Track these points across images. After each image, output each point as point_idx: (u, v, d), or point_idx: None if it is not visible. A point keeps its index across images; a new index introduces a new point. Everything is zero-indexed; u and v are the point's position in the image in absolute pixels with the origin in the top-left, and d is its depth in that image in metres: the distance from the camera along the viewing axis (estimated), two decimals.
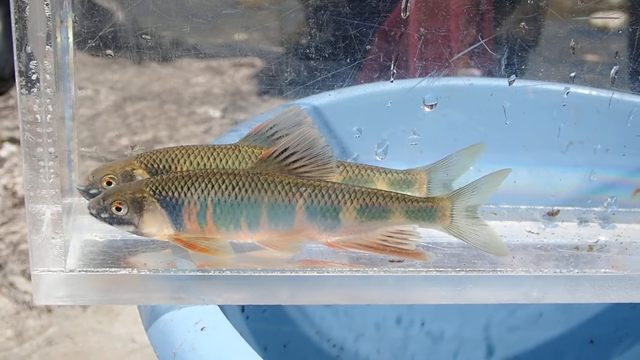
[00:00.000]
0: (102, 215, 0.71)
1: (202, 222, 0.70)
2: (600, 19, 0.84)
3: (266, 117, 0.78)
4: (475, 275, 0.73)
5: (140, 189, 0.71)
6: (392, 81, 0.83)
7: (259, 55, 0.85)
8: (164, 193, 0.70)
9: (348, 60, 0.82)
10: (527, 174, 0.90)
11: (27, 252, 0.65)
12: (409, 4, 0.79)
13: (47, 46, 0.61)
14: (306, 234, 0.72)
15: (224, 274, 0.69)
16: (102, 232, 0.76)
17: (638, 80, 0.86)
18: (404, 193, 0.77)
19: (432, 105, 0.85)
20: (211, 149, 0.76)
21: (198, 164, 0.75)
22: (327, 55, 0.82)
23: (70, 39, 0.74)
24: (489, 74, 0.84)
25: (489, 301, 0.75)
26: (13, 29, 0.60)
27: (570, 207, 0.88)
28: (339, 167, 0.77)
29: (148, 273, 0.69)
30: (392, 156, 0.86)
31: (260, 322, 1.01)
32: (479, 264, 0.74)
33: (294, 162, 0.71)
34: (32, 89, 0.62)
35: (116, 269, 0.69)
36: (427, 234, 0.75)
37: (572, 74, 0.85)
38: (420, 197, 0.73)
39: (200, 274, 0.69)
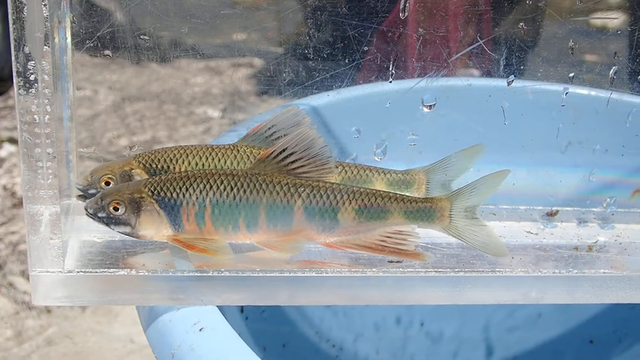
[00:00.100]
0: (99, 215, 0.71)
1: (201, 222, 0.70)
2: (599, 19, 0.84)
3: (265, 118, 0.77)
4: (474, 275, 0.73)
5: (138, 189, 0.71)
6: (390, 81, 0.83)
7: (257, 56, 0.85)
8: (162, 193, 0.70)
9: (347, 61, 0.82)
10: (526, 174, 0.90)
11: (26, 253, 0.65)
12: (407, 5, 0.79)
13: (45, 47, 0.61)
14: (305, 235, 0.71)
15: (222, 274, 0.69)
16: (100, 233, 0.75)
17: (637, 80, 0.86)
18: (403, 193, 0.77)
19: (430, 106, 0.85)
20: (209, 149, 0.76)
21: (196, 164, 0.75)
22: (325, 55, 0.82)
23: (69, 40, 0.73)
24: (488, 74, 0.84)
25: (488, 302, 0.75)
26: (11, 29, 0.60)
27: (570, 208, 0.88)
28: (337, 167, 0.77)
29: (146, 274, 0.69)
30: (390, 156, 0.86)
31: (259, 323, 1.01)
32: (478, 265, 0.74)
33: (292, 162, 0.71)
34: (30, 90, 0.62)
35: (115, 270, 0.69)
36: (426, 234, 0.75)
37: (571, 75, 0.85)
38: (419, 198, 0.73)
39: (199, 274, 0.69)
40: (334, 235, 0.72)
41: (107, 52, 0.77)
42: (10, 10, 0.60)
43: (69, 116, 0.75)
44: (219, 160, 0.75)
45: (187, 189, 0.70)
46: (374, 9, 0.80)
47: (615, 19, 0.84)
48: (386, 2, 0.80)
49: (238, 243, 0.72)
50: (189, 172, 0.72)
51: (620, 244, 0.83)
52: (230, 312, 0.94)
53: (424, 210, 0.72)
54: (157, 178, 0.71)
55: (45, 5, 0.60)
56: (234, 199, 0.70)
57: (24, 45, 0.61)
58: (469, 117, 0.92)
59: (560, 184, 0.91)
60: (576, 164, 0.91)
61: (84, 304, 0.84)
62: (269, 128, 0.76)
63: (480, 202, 0.73)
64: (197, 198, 0.70)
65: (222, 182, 0.70)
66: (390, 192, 0.73)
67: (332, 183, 0.72)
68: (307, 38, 0.81)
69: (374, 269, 0.71)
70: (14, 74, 0.62)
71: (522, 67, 0.84)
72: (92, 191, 0.75)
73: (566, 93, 0.86)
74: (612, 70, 0.84)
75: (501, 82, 0.84)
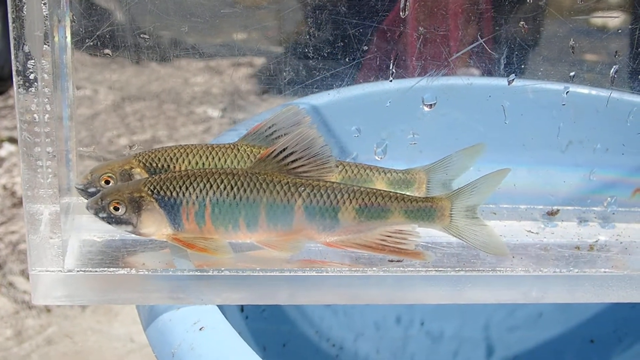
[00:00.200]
0: (100, 215, 0.71)
1: (201, 222, 0.70)
2: (599, 18, 0.84)
3: (265, 117, 0.77)
4: (474, 275, 0.72)
5: (138, 188, 0.70)
6: (391, 80, 0.83)
7: (257, 55, 0.85)
8: (162, 193, 0.70)
9: (347, 60, 0.82)
10: (526, 173, 0.90)
11: (26, 252, 0.65)
12: (407, 3, 0.79)
13: (44, 45, 0.61)
14: (305, 234, 0.71)
15: (222, 273, 0.69)
16: (100, 232, 0.75)
17: (637, 79, 0.85)
18: (403, 193, 0.76)
19: (431, 105, 0.85)
20: (210, 148, 0.76)
21: (197, 163, 0.75)
22: (325, 54, 0.82)
23: (68, 39, 0.73)
24: (489, 73, 0.84)
25: (489, 301, 0.75)
26: (10, 28, 0.60)
27: (570, 207, 0.88)
28: (337, 166, 0.77)
29: (146, 273, 0.69)
30: (391, 156, 0.86)
31: (259, 322, 1.01)
32: (479, 264, 0.74)
33: (292, 161, 0.71)
34: (30, 89, 0.62)
35: (114, 269, 0.69)
36: (426, 233, 0.75)
37: (572, 73, 0.84)
38: (419, 197, 0.73)
39: (199, 273, 0.69)
40: (334, 234, 0.72)
41: (107, 51, 0.77)
42: (9, 9, 0.59)
43: (68, 115, 0.75)
44: (219, 159, 0.75)
45: (187, 188, 0.70)
46: (374, 7, 0.80)
47: (615, 18, 0.84)
48: (386, 1, 0.79)
49: (238, 242, 0.72)
50: (189, 171, 0.71)
51: (621, 243, 0.83)
52: (230, 312, 0.93)
53: (424, 210, 0.72)
54: (157, 177, 0.71)
55: (44, 4, 0.60)
56: (234, 198, 0.70)
57: (24, 44, 0.61)
58: (470, 116, 0.92)
59: (560, 183, 0.91)
60: (577, 163, 0.91)
61: (83, 304, 0.84)
62: (269, 127, 0.76)
63: (481, 201, 0.73)
64: (197, 197, 0.70)
65: (222, 182, 0.70)
66: (390, 192, 0.73)
67: (333, 182, 0.72)
68: (308, 37, 0.81)
69: (374, 268, 0.71)
70: (14, 72, 0.61)
71: (522, 66, 0.84)
72: (92, 190, 0.75)
73: (567, 92, 0.86)
74: (612, 69, 0.84)
75: (502, 81, 0.84)
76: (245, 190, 0.70)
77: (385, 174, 0.79)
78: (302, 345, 1.11)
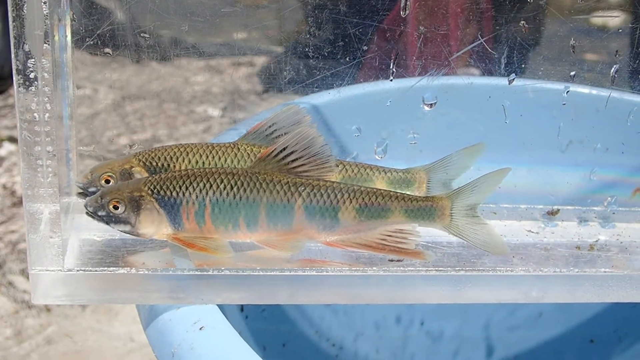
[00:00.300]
0: (99, 214, 0.70)
1: (201, 221, 0.70)
2: (600, 18, 0.84)
3: (265, 116, 0.77)
4: (474, 274, 0.72)
5: (138, 187, 0.70)
6: (391, 80, 0.83)
7: (258, 54, 0.85)
8: (162, 192, 0.70)
9: (347, 59, 0.82)
10: (526, 173, 0.90)
11: (26, 251, 0.65)
12: (408, 3, 0.79)
13: (45, 44, 0.61)
14: (305, 234, 0.71)
15: (222, 273, 0.69)
16: (100, 232, 0.75)
17: (638, 79, 0.85)
18: (404, 192, 0.76)
19: (431, 104, 0.85)
20: (210, 148, 0.76)
21: (197, 162, 0.75)
22: (326, 54, 0.82)
23: (69, 37, 0.73)
24: (489, 72, 0.84)
25: (489, 301, 0.75)
26: (10, 27, 0.60)
27: (570, 207, 0.88)
28: (338, 166, 0.77)
29: (146, 272, 0.69)
30: (391, 155, 0.86)
31: (259, 322, 1.01)
32: (479, 264, 0.74)
33: (292, 161, 0.71)
34: (30, 88, 0.62)
35: (114, 269, 0.69)
36: (426, 233, 0.75)
37: (572, 73, 0.84)
38: (419, 196, 0.73)
39: (199, 273, 0.69)
40: (334, 234, 0.72)
41: (107, 50, 0.77)
42: (10, 8, 0.59)
43: (68, 114, 0.75)
44: (219, 158, 0.75)
45: (187, 188, 0.70)
46: (374, 7, 0.80)
47: (616, 17, 0.84)
48: (387, 0, 0.79)
49: (238, 242, 0.72)
50: (189, 171, 0.71)
51: (621, 243, 0.83)
52: (230, 311, 0.93)
53: (424, 209, 0.72)
54: (157, 176, 0.71)
55: (45, 3, 0.60)
56: (234, 197, 0.70)
57: (24, 43, 0.61)
58: (470, 115, 0.92)
59: (561, 182, 0.91)
60: (577, 163, 0.91)
61: (83, 303, 0.84)
62: (270, 126, 0.76)
63: (481, 200, 0.73)
64: (197, 197, 0.70)
65: (222, 181, 0.70)
66: (390, 191, 0.73)
67: (333, 182, 0.72)
68: (308, 36, 0.81)
69: (374, 268, 0.71)
70: (14, 71, 0.61)
71: (523, 66, 0.84)
72: (92, 189, 0.75)
73: (567, 92, 0.86)
74: (613, 68, 0.84)
75: (502, 81, 0.84)
76: (245, 190, 0.70)
77: (385, 173, 0.79)
78: (302, 345, 1.11)
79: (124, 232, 0.71)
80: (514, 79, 0.84)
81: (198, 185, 0.70)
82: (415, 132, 0.86)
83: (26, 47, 0.61)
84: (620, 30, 0.84)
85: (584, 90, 0.91)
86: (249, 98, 0.95)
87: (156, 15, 0.77)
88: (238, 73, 0.86)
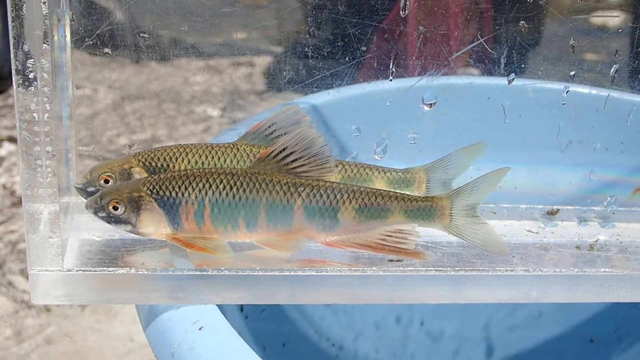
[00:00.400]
0: (100, 214, 0.71)
1: (200, 221, 0.70)
2: (599, 18, 0.84)
3: (264, 116, 0.77)
4: (474, 274, 0.72)
5: (137, 188, 0.70)
6: (391, 80, 0.83)
7: (257, 54, 0.85)
8: (161, 192, 0.70)
9: (347, 59, 0.82)
10: (526, 172, 0.90)
11: (25, 251, 0.65)
12: (407, 3, 0.79)
13: (44, 44, 0.61)
14: (305, 234, 0.71)
15: (222, 273, 0.69)
16: (99, 232, 0.75)
17: (638, 78, 0.85)
18: (403, 192, 0.76)
19: (431, 104, 0.85)
20: (209, 148, 0.76)
21: (196, 163, 0.75)
22: (325, 53, 0.82)
23: (68, 37, 0.73)
24: (489, 72, 0.84)
25: (489, 300, 0.75)
26: (10, 27, 0.60)
27: (570, 206, 0.88)
28: (337, 166, 0.77)
29: (146, 272, 0.69)
30: (391, 155, 0.86)
31: (259, 322, 1.01)
32: (479, 263, 0.74)
33: (292, 161, 0.71)
34: (29, 87, 0.62)
35: (114, 269, 0.69)
36: (426, 233, 0.75)
37: (572, 73, 0.84)
38: (419, 196, 0.73)
39: (199, 273, 0.69)
40: (334, 234, 0.72)
41: (106, 50, 0.77)
42: (9, 8, 0.59)
43: (68, 114, 0.75)
44: (219, 159, 0.75)
45: (186, 188, 0.70)
46: (374, 7, 0.80)
47: (616, 17, 0.84)
48: (386, 0, 0.79)
49: (238, 242, 0.72)
50: (188, 171, 0.71)
51: (621, 242, 0.83)
52: (230, 311, 0.93)
53: (424, 209, 0.72)
54: (156, 177, 0.71)
55: (44, 3, 0.60)
56: (234, 198, 0.70)
57: (23, 43, 0.60)
58: (470, 115, 0.92)
59: (560, 182, 0.91)
60: (577, 163, 0.91)
61: (83, 303, 0.84)
62: (269, 127, 0.76)
63: (481, 200, 0.73)
64: (196, 197, 0.69)
65: (221, 181, 0.70)
66: (390, 191, 0.73)
67: (332, 182, 0.72)
68: (307, 36, 0.81)
69: (374, 268, 0.71)
70: (13, 71, 0.61)
71: (522, 66, 0.84)
72: (91, 189, 0.75)
73: (567, 91, 0.86)
74: (613, 68, 0.84)
75: (502, 81, 0.84)
76: (244, 190, 0.70)
77: (385, 173, 0.79)
78: (301, 344, 1.11)
79: (126, 231, 0.71)
80: (513, 79, 0.84)
81: (197, 185, 0.70)
82: (414, 132, 0.86)
83: (25, 47, 0.61)
84: (620, 30, 0.84)
85: (584, 90, 0.91)
86: (248, 98, 0.95)
87: (155, 15, 0.77)
88: (237, 73, 0.85)
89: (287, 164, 0.71)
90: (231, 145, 0.76)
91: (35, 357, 1.59)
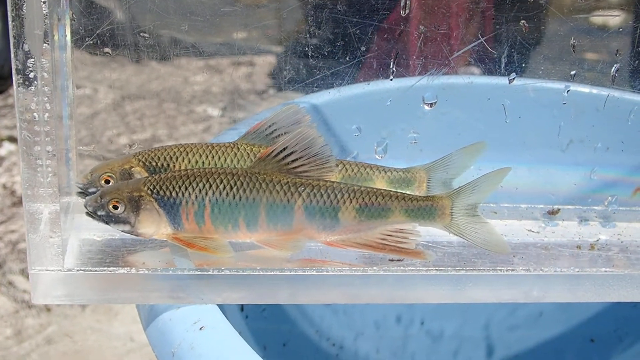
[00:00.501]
0: (99, 214, 0.70)
1: (200, 221, 0.70)
2: (600, 17, 0.84)
3: (265, 116, 0.77)
4: (475, 274, 0.72)
5: (137, 187, 0.70)
6: (391, 79, 0.83)
7: (257, 54, 0.85)
8: (161, 192, 0.70)
9: (347, 59, 0.82)
10: (527, 172, 0.90)
11: (26, 251, 0.65)
12: (408, 2, 0.79)
13: (44, 44, 0.61)
14: (305, 234, 0.71)
15: (222, 273, 0.69)
16: (100, 231, 0.75)
17: (638, 78, 0.85)
18: (404, 192, 0.76)
19: (431, 104, 0.84)
20: (209, 147, 0.76)
21: (196, 162, 0.75)
22: (326, 53, 0.82)
23: (68, 37, 0.73)
24: (489, 72, 0.84)
25: (489, 300, 0.75)
26: (10, 26, 0.60)
27: (571, 206, 0.88)
28: (338, 166, 0.77)
29: (146, 272, 0.69)
30: (391, 155, 0.86)
31: (259, 322, 1.01)
32: (479, 263, 0.74)
33: (292, 161, 0.71)
34: (29, 87, 0.62)
35: (114, 268, 0.69)
36: (426, 232, 0.75)
37: (573, 72, 0.84)
38: (419, 196, 0.73)
39: (199, 273, 0.69)
40: (334, 234, 0.72)
41: (106, 49, 0.77)
42: (9, 8, 0.59)
43: (68, 114, 0.75)
44: (219, 158, 0.75)
45: (186, 188, 0.70)
46: (375, 6, 0.80)
47: (616, 17, 0.84)
48: None
49: (238, 241, 0.72)
50: (188, 171, 0.71)
51: (622, 242, 0.83)
52: (230, 311, 0.93)
53: (425, 209, 0.72)
54: (156, 176, 0.71)
55: (44, 2, 0.60)
56: (234, 198, 0.69)
57: (24, 42, 0.60)
58: (470, 115, 0.92)
59: (561, 182, 0.91)
60: (577, 162, 0.91)
61: (83, 303, 0.84)
62: (269, 126, 0.76)
63: (481, 199, 0.73)
64: (196, 197, 0.69)
65: (221, 181, 0.70)
66: (391, 191, 0.73)
67: (333, 182, 0.72)
68: (308, 36, 0.81)
69: (374, 268, 0.71)
70: (14, 71, 0.61)
71: (523, 65, 0.84)
72: (91, 189, 0.75)
73: (567, 91, 0.86)
74: (613, 68, 0.84)
75: (502, 80, 0.84)
76: (245, 190, 0.70)
77: (385, 172, 0.79)
78: (302, 344, 1.11)
79: (124, 232, 0.71)
80: (514, 79, 0.84)
81: (198, 185, 0.70)
82: (415, 131, 0.86)
83: (26, 47, 0.61)
84: (620, 30, 0.84)
85: (585, 89, 0.91)
86: (248, 98, 0.95)
87: (156, 15, 0.77)
88: (238, 73, 0.85)
89: (288, 164, 0.71)
90: (231, 144, 0.76)
91: (36, 357, 1.59)
